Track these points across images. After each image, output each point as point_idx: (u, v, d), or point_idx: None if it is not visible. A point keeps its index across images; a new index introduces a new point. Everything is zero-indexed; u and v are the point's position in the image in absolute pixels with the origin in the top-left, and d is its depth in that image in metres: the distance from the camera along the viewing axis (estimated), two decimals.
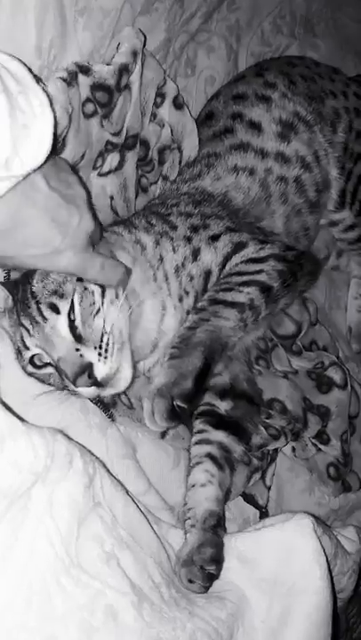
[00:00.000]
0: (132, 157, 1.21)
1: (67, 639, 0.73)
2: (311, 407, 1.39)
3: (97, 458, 0.93)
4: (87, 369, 0.99)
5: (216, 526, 1.11)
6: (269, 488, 1.36)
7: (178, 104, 1.32)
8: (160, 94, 1.25)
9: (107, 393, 1.04)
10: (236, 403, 1.25)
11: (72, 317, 1.00)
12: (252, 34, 1.63)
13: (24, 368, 1.06)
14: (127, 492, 0.97)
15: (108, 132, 1.13)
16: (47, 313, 1.00)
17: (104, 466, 0.95)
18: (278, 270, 1.19)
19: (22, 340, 1.03)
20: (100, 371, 1.00)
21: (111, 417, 1.13)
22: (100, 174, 1.18)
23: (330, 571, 1.09)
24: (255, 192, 1.35)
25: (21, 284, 1.04)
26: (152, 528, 0.99)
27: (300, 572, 1.06)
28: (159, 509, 1.18)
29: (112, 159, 1.18)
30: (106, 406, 1.12)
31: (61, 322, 1.00)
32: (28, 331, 1.02)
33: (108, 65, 1.09)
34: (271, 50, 1.69)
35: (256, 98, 1.43)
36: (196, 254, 1.18)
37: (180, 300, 1.17)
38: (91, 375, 0.99)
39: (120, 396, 1.16)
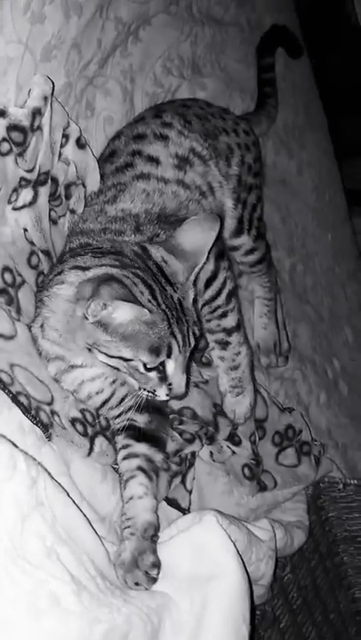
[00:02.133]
0: (44, 192, 1.31)
1: (18, 622, 0.82)
2: (221, 412, 1.52)
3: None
4: None
5: (154, 536, 1.25)
6: (190, 491, 1.46)
7: (81, 144, 1.43)
8: (65, 135, 1.36)
9: None
10: (151, 416, 1.37)
11: None
12: (145, 76, 1.76)
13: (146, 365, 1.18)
14: (67, 494, 1.06)
15: (22, 169, 1.24)
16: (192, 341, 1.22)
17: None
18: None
19: (170, 347, 1.17)
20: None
21: (49, 437, 1.21)
22: (14, 208, 1.27)
23: (240, 556, 1.22)
24: (173, 203, 1.45)
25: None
26: (89, 527, 1.08)
27: (212, 562, 1.21)
28: (92, 521, 1.26)
29: (26, 194, 1.28)
30: (45, 426, 1.20)
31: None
32: (178, 345, 1.19)
33: (21, 108, 1.20)
34: (164, 90, 1.82)
35: (154, 136, 1.54)
36: None
37: None
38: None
39: (55, 418, 1.24)
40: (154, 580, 1.19)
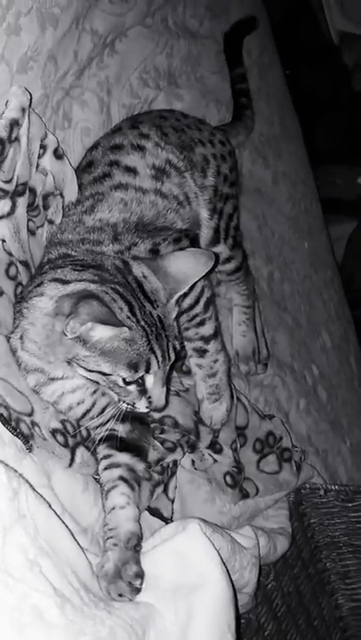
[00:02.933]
0: (22, 203, 1.31)
1: (1, 635, 0.81)
2: (202, 420, 1.52)
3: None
4: None
5: (137, 545, 1.25)
6: (173, 500, 1.46)
7: (58, 155, 1.43)
8: (42, 146, 1.37)
9: None
10: (132, 425, 1.37)
11: None
12: (121, 87, 1.77)
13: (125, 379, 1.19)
14: (49, 505, 1.05)
15: (0, 180, 1.24)
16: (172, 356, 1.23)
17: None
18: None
19: (148, 362, 1.18)
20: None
21: (30, 448, 1.20)
22: None
23: (224, 564, 1.22)
24: (150, 212, 1.46)
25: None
26: (71, 539, 1.07)
27: (196, 571, 1.21)
28: (75, 533, 1.25)
29: (4, 205, 1.27)
30: (25, 437, 1.20)
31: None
32: (157, 360, 1.20)
33: None
34: (140, 101, 1.83)
35: (132, 147, 1.55)
36: None
37: None
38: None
39: (35, 429, 1.23)
40: (137, 591, 1.19)
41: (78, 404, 1.32)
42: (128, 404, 1.23)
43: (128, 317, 1.17)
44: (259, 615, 1.73)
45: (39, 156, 1.36)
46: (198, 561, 1.17)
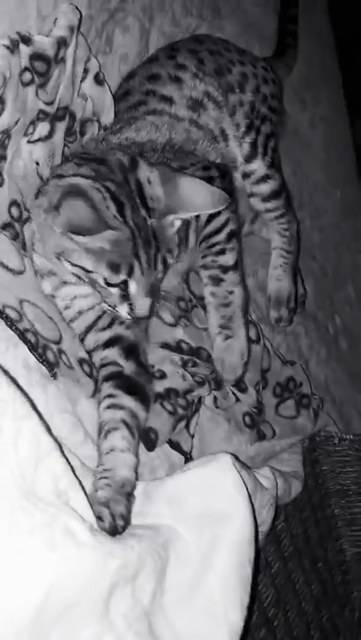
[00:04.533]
0: (61, 128, 1.28)
1: (35, 549, 0.84)
2: None
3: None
4: None
5: (130, 495, 1.18)
6: (193, 436, 1.47)
7: (99, 80, 1.39)
8: (85, 69, 1.33)
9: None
10: (138, 368, 1.32)
11: None
12: (163, 14, 1.71)
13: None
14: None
15: (42, 102, 1.20)
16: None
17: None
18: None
19: (131, 267, 1.16)
20: None
21: (54, 375, 1.21)
22: (29, 141, 1.24)
23: (251, 500, 1.23)
24: (181, 137, 1.43)
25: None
26: None
27: (224, 502, 1.20)
28: (96, 459, 1.28)
29: (42, 128, 1.24)
30: (50, 365, 1.20)
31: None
32: (141, 267, 1.17)
33: (47, 37, 1.15)
34: (181, 30, 1.77)
35: (169, 78, 1.51)
36: None
37: None
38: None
39: (62, 357, 1.23)
40: (114, 532, 1.09)
41: (88, 309, 1.31)
42: (110, 305, 1.21)
43: (115, 217, 1.13)
44: (267, 553, 1.76)
45: (81, 80, 1.32)
46: (228, 492, 1.17)
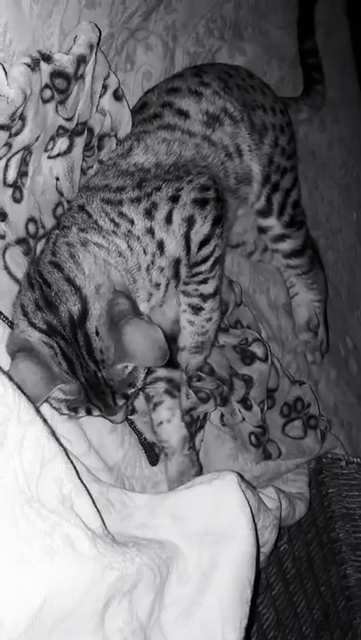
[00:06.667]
0: (80, 143, 1.30)
1: (33, 558, 0.84)
2: (236, 374, 1.53)
3: None
4: None
5: (191, 447, 1.43)
6: (197, 452, 1.48)
7: (118, 96, 1.41)
8: (103, 86, 1.34)
9: None
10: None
11: None
12: (187, 35, 1.73)
13: None
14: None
15: (62, 118, 1.22)
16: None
17: None
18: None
19: (89, 410, 1.21)
20: None
21: None
22: (49, 157, 1.26)
23: (254, 520, 1.23)
24: (188, 154, 1.41)
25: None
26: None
27: (227, 521, 1.19)
28: (99, 470, 1.28)
29: (62, 143, 1.27)
30: None
31: None
32: (99, 409, 1.22)
33: (67, 54, 1.18)
34: (205, 51, 1.79)
35: (189, 91, 1.51)
36: (161, 247, 1.27)
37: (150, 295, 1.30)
38: None
39: None
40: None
41: None
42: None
43: (67, 373, 1.15)
44: (268, 575, 1.75)
45: (100, 96, 1.34)
46: (232, 512, 1.17)
